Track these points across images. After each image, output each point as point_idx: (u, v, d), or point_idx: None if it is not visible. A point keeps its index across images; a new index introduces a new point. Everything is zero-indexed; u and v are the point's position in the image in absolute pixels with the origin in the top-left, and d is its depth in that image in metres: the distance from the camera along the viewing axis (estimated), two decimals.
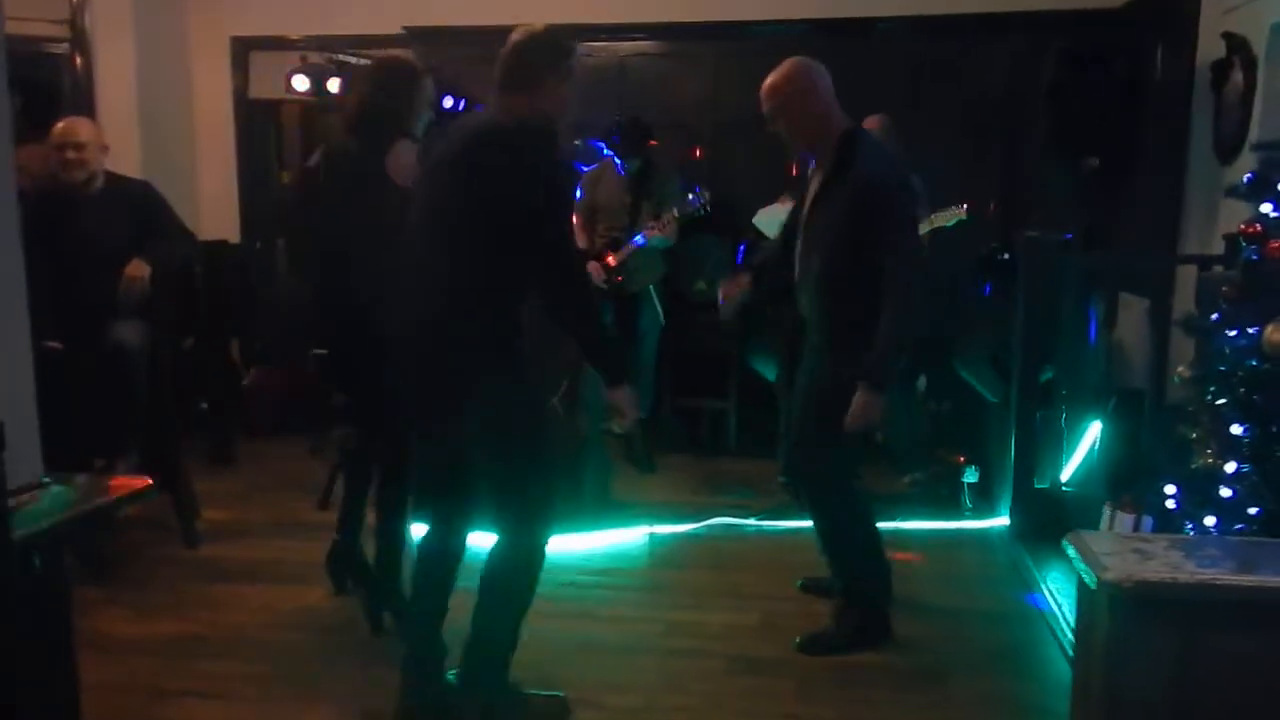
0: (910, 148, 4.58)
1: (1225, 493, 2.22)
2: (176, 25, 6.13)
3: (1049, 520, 4.02)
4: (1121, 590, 1.56)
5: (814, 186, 3.17)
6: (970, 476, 4.61)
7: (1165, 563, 1.61)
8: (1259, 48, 3.95)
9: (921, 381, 5.36)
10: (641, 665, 3.15)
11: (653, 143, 5.17)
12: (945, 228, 4.52)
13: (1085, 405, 4.37)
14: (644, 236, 5.05)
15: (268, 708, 2.91)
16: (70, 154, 3.87)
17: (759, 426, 5.26)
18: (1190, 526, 2.33)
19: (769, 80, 3.08)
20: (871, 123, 4.31)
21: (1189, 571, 1.58)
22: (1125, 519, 3.05)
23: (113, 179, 4.01)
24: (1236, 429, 2.24)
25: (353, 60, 5.36)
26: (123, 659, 3.14)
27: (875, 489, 4.77)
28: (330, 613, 3.48)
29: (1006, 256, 4.89)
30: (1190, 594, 1.56)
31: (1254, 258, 2.37)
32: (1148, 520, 2.82)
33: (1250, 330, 2.26)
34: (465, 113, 2.71)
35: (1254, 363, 2.24)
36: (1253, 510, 2.15)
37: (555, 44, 2.63)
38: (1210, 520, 2.25)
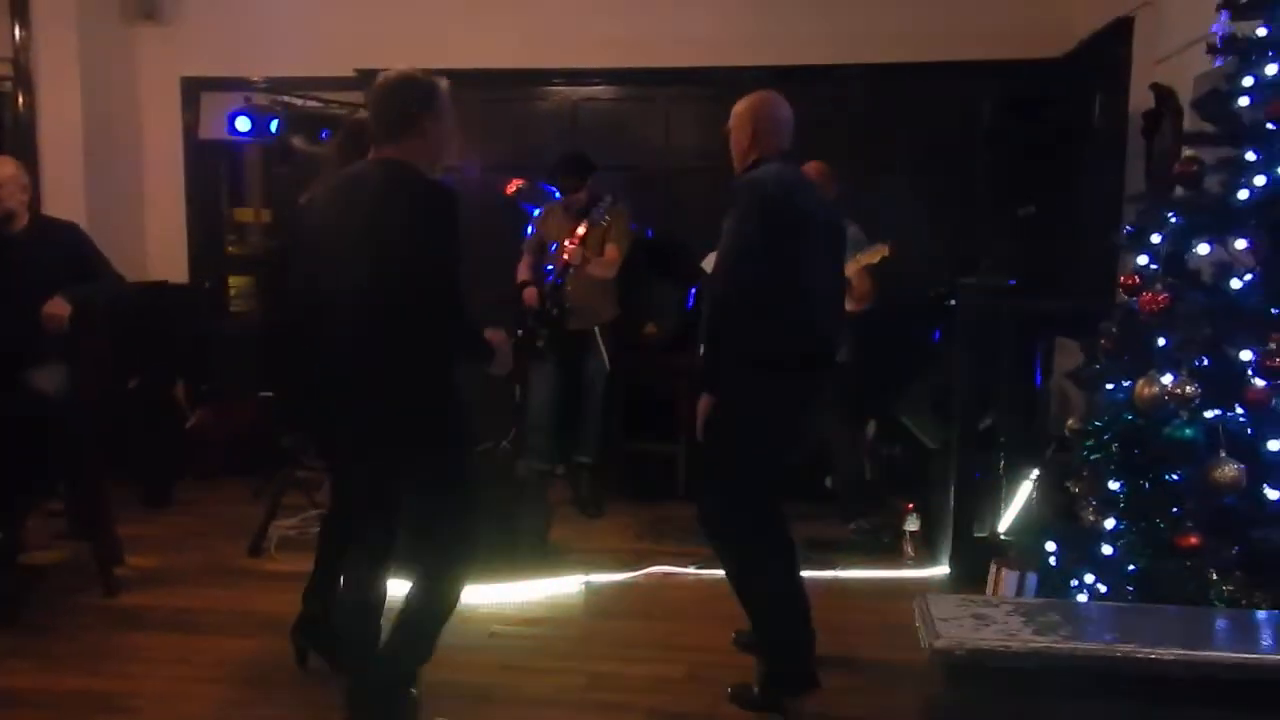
0: (855, 193, 4.61)
1: (1105, 550, 2.19)
2: (125, 64, 6.12)
3: (988, 570, 4.01)
4: (953, 658, 1.52)
5: None
6: (912, 524, 4.58)
7: (1001, 629, 1.58)
8: (1184, 98, 3.99)
9: (871, 427, 5.35)
10: None
11: (590, 179, 5.15)
12: (872, 266, 4.52)
13: (1025, 453, 4.35)
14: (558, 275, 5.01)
15: None
16: None
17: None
18: (1075, 585, 2.30)
19: (739, 103, 3.21)
20: (810, 168, 4.32)
21: (1022, 639, 1.55)
22: (1010, 576, 3.01)
23: (38, 220, 3.97)
24: (1113, 485, 2.21)
25: (299, 103, 5.36)
26: (19, 713, 3.05)
27: (821, 535, 4.75)
28: (248, 664, 3.40)
29: (953, 302, 4.89)
30: (1021, 662, 1.52)
31: (1132, 309, 2.36)
32: (1031, 577, 2.79)
33: (1125, 383, 2.24)
34: (349, 177, 2.66)
35: (1129, 417, 2.22)
36: (1131, 568, 2.11)
37: (423, 85, 2.62)
38: (1089, 578, 2.22)
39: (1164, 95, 4.13)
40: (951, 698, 1.54)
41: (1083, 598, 2.24)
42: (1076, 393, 4.83)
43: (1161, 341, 2.17)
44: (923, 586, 4.22)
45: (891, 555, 4.55)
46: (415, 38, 5.87)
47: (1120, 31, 4.58)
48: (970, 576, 4.04)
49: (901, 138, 5.44)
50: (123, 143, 6.09)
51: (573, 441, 5.25)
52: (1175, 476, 2.09)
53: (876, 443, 5.33)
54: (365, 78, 5.83)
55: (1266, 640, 1.66)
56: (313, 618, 3.27)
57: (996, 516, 4.28)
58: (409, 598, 2.78)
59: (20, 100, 5.54)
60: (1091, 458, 2.28)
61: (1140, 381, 2.13)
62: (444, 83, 2.68)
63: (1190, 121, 3.94)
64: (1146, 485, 2.13)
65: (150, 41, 6.18)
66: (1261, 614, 1.78)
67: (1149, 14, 4.37)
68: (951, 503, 4.19)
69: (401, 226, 2.52)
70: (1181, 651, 1.51)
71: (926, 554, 4.50)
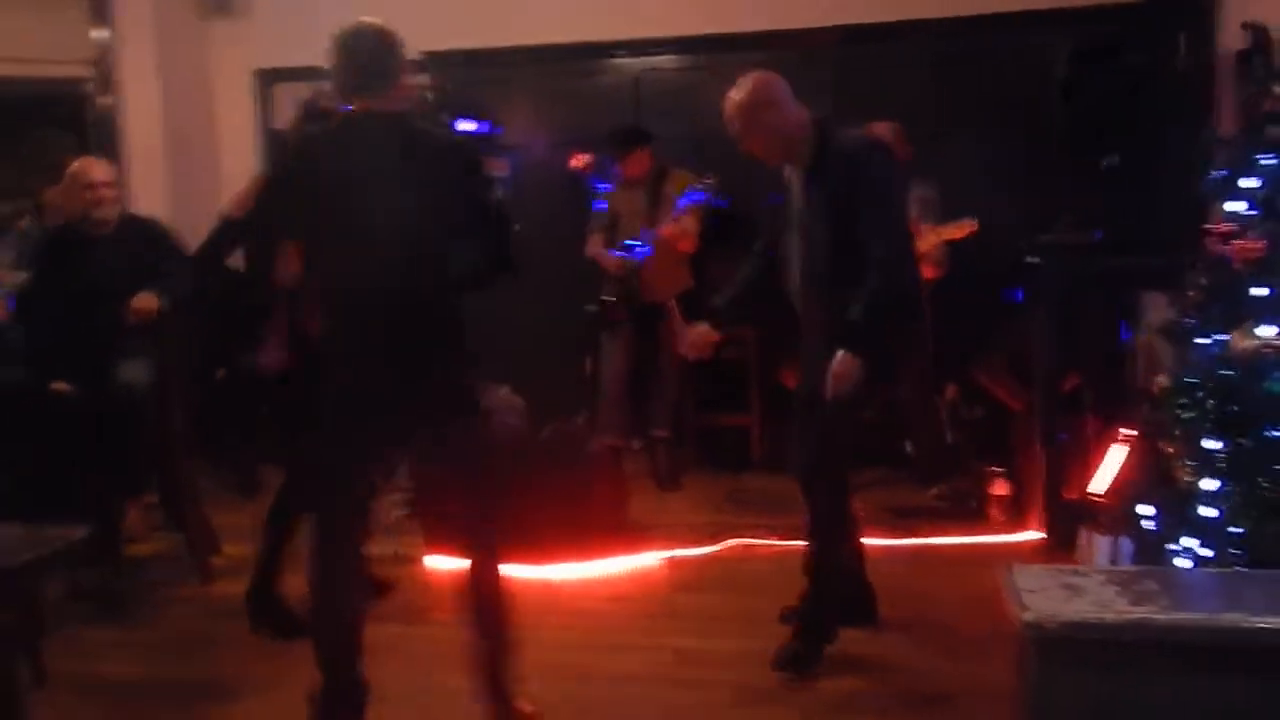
0: (925, 153, 4.48)
1: (1206, 512, 2.09)
2: (200, 60, 6.22)
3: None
4: (1042, 631, 1.46)
5: (797, 190, 3.13)
6: (999, 488, 4.48)
7: (1094, 600, 1.51)
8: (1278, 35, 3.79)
9: (950, 390, 5.23)
10: (642, 697, 3.08)
11: (646, 147, 5.13)
12: (955, 241, 4.41)
13: (1114, 412, 4.21)
14: (645, 241, 5.00)
15: None
16: (90, 194, 3.95)
17: (784, 441, 5.16)
18: (1172, 550, 2.20)
19: (732, 100, 3.04)
20: (882, 128, 4.21)
21: (1118, 610, 1.48)
22: (1103, 542, 2.90)
23: (125, 219, 4.09)
24: (1210, 444, 2.11)
25: None
26: (124, 704, 3.13)
27: (903, 503, 4.67)
28: None
29: (1034, 260, 4.74)
30: (1114, 635, 1.45)
31: (1223, 258, 2.24)
32: (1126, 543, 2.68)
33: (1220, 336, 2.13)
34: (347, 123, 2.64)
35: (1224, 371, 2.10)
36: (1234, 530, 2.02)
37: (395, 35, 2.63)
38: (1191, 542, 2.13)
39: (1259, 31, 3.94)
40: (1044, 673, 1.48)
41: (1183, 563, 2.15)
42: (1167, 349, 4.68)
43: (1258, 291, 2.06)
44: (1012, 552, 4.12)
45: (978, 520, 4.46)
46: (480, 17, 5.85)
47: None
48: (1063, 541, 3.95)
49: (973, 93, 5.27)
50: (200, 137, 6.20)
51: (648, 415, 5.24)
52: (1277, 433, 1.99)
53: (956, 406, 5.22)
54: (433, 60, 5.86)
55: None
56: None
57: (1087, 478, 4.16)
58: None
59: (103, 102, 5.66)
60: (1185, 416, 2.18)
61: (1235, 334, 2.02)
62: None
63: None
64: (1247, 443, 2.03)
65: (224, 35, 6.25)
66: None
67: None
68: (1041, 465, 4.08)
69: (432, 177, 2.55)
70: None
71: (1016, 518, 4.39)
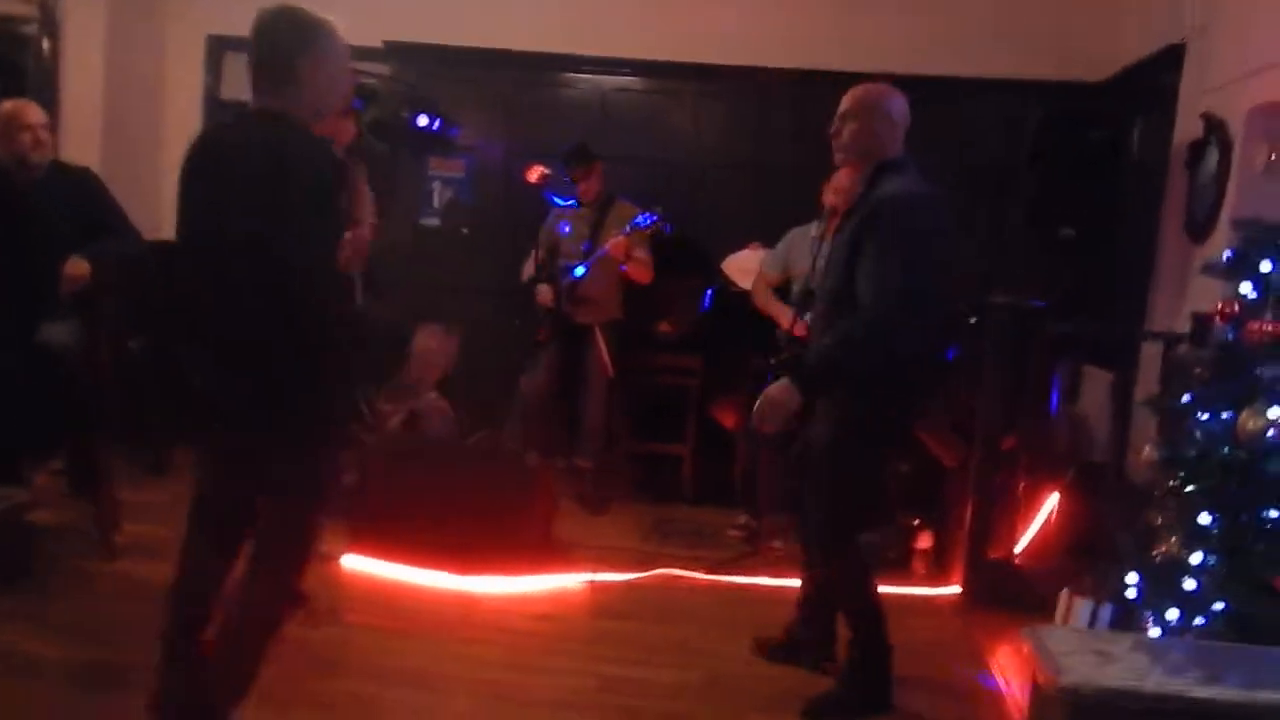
0: None
1: (1189, 584, 2.12)
2: (151, 18, 5.97)
3: (1002, 591, 3.96)
4: (1080, 697, 1.45)
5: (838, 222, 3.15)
6: (922, 541, 4.52)
7: (1129, 668, 1.50)
8: (1236, 130, 3.94)
9: None
10: None
11: (599, 168, 5.07)
12: None
13: (1044, 476, 4.30)
14: (585, 265, 4.95)
15: None
16: (28, 135, 3.75)
17: (717, 475, 5.14)
18: (1151, 618, 2.23)
19: (869, 87, 3.07)
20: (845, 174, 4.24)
21: (1155, 680, 1.48)
22: (1084, 606, 2.95)
23: (54, 165, 3.89)
24: (1205, 518, 2.15)
25: None
26: (23, 681, 2.93)
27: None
28: None
29: (974, 320, 4.83)
30: (1154, 705, 1.45)
31: (1229, 338, 2.29)
32: (1106, 608, 2.72)
33: (1224, 415, 2.17)
34: (236, 120, 2.44)
35: (1227, 449, 2.15)
36: (1217, 605, 2.05)
37: (304, 24, 2.31)
38: (1173, 613, 2.15)
39: (1214, 125, 4.09)
40: None
41: (1155, 632, 2.18)
42: (1100, 419, 4.80)
43: (1270, 372, 2.10)
44: (933, 605, 4.15)
45: (899, 571, 4.48)
46: (445, 12, 5.77)
47: (1169, 58, 4.52)
48: (984, 597, 3.99)
49: (940, 151, 5.36)
50: (143, 97, 5.96)
51: (573, 442, 5.16)
52: (1275, 513, 2.03)
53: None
54: (396, 50, 5.74)
55: None
56: None
57: (1013, 538, 4.23)
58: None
59: (45, 45, 5.39)
60: (1186, 488, 2.21)
61: (1245, 413, 2.06)
62: (332, 21, 2.36)
63: (1243, 155, 3.90)
64: (1245, 521, 2.06)
65: None
66: None
67: (1201, 42, 4.32)
68: (968, 522, 4.13)
69: (264, 186, 2.19)
70: None
71: (938, 572, 4.43)
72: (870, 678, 3.07)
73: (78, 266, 3.65)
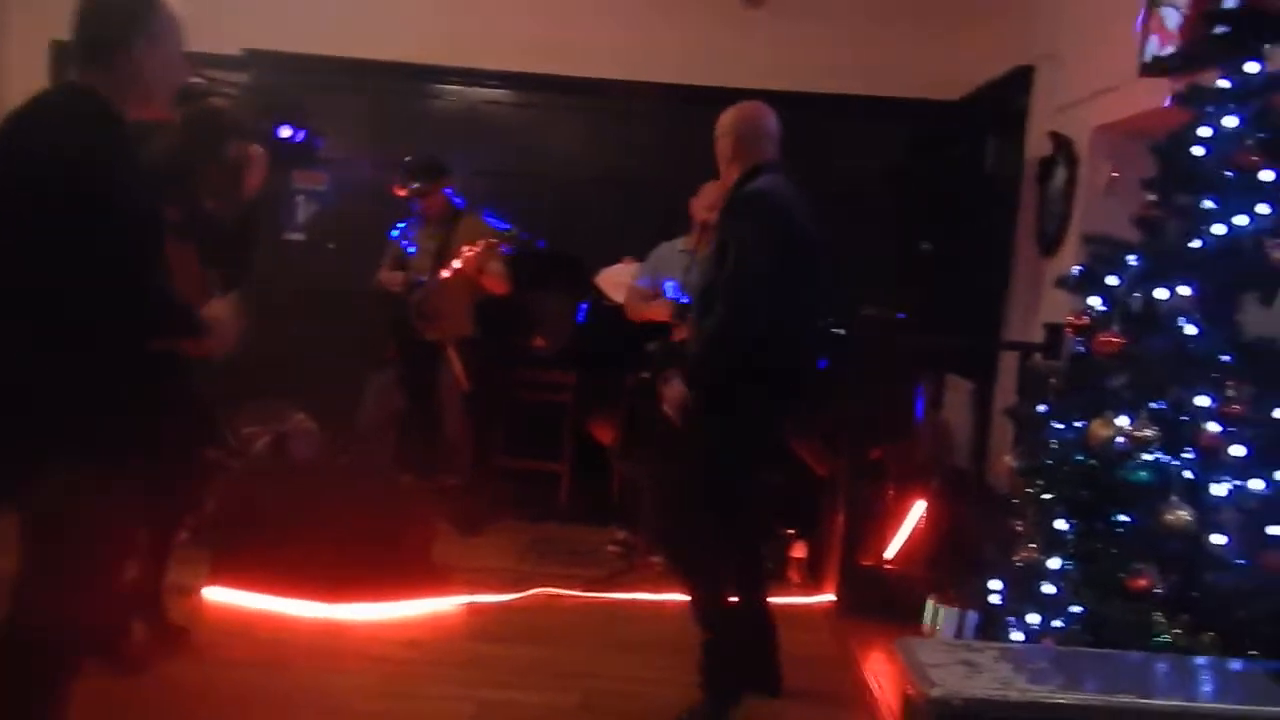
0: None
1: (1048, 589, 2.20)
2: None
3: (874, 599, 4.05)
4: (950, 708, 1.48)
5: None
6: (797, 550, 4.59)
7: (995, 677, 1.54)
8: (1082, 148, 4.14)
9: None
10: None
11: (445, 182, 4.93)
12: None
13: (911, 484, 4.41)
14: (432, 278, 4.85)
15: None
16: None
17: (595, 492, 5.11)
18: (1013, 623, 2.30)
19: (739, 107, 3.29)
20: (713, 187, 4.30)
21: (1019, 689, 1.52)
22: (950, 614, 3.03)
23: None
24: (1061, 524, 2.23)
25: None
26: None
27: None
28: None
29: (842, 332, 4.94)
30: (1019, 713, 1.49)
31: (1081, 350, 2.40)
32: (972, 615, 2.81)
33: (1076, 424, 2.27)
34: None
35: (1080, 457, 2.24)
36: (1075, 608, 2.13)
37: (133, 1, 2.17)
38: (1034, 618, 2.23)
39: (1062, 143, 4.29)
40: None
41: (1018, 636, 2.25)
42: (961, 427, 4.97)
43: (1116, 382, 2.20)
44: (809, 613, 4.21)
45: (776, 581, 4.53)
46: (307, 20, 5.61)
47: (1020, 79, 4.72)
48: (857, 604, 4.07)
49: (800, 166, 5.48)
50: None
51: (435, 461, 5.05)
52: (1125, 518, 2.12)
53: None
54: (257, 58, 5.55)
55: (1249, 690, 1.68)
56: None
57: (883, 545, 4.33)
58: None
59: None
60: (1043, 496, 2.29)
61: (1096, 422, 2.15)
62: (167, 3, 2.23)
63: (1088, 172, 4.11)
64: (1097, 526, 2.14)
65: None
66: (1240, 663, 1.80)
67: (1050, 64, 4.52)
68: (840, 530, 4.20)
69: (39, 161, 2.02)
70: (1182, 703, 1.51)
71: (812, 581, 4.50)
72: (719, 681, 3.13)
73: None
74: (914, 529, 4.42)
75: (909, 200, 4.75)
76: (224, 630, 3.53)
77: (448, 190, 4.95)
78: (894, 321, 4.31)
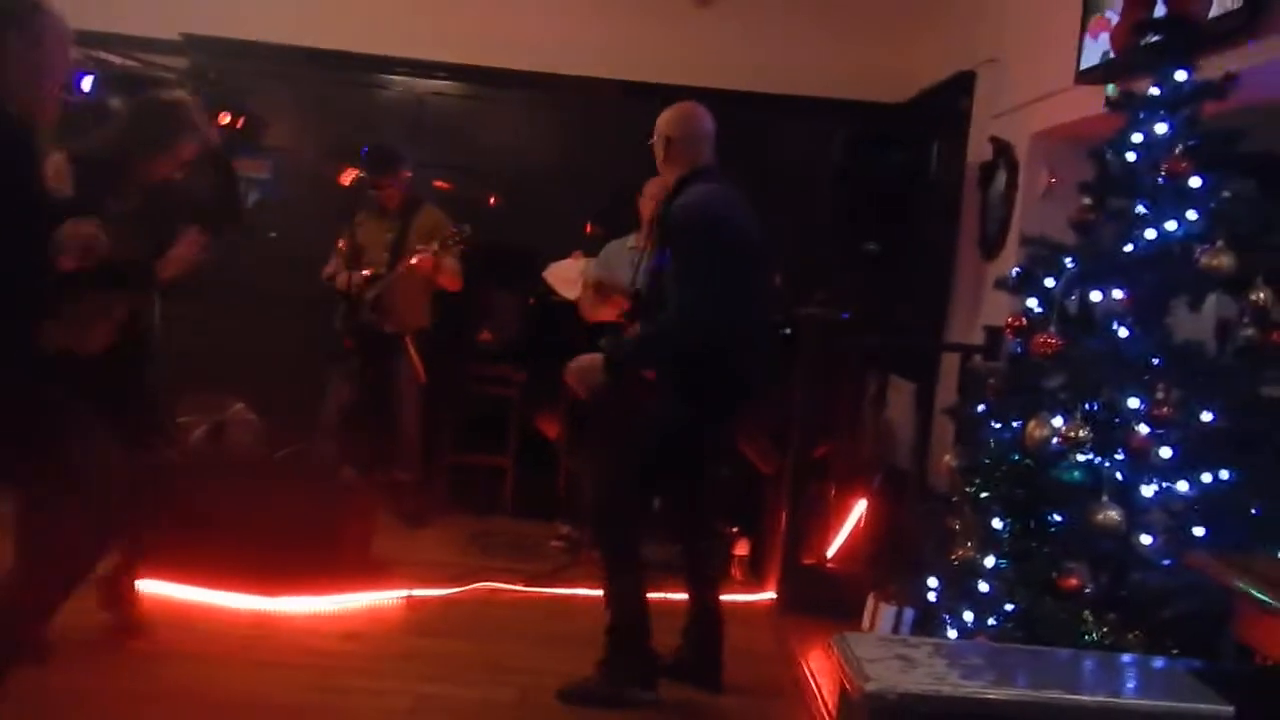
0: None
1: (983, 587, 2.24)
2: None
3: (815, 596, 4.08)
4: (884, 703, 1.50)
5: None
6: (740, 548, 4.61)
7: (929, 673, 1.57)
8: (1022, 153, 4.21)
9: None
10: None
11: (405, 173, 4.91)
12: None
13: (853, 483, 4.45)
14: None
15: None
16: None
17: (540, 486, 5.09)
18: (948, 620, 2.34)
19: (675, 108, 3.33)
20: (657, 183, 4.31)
21: (952, 683, 1.54)
22: (888, 611, 3.07)
23: None
24: (997, 523, 2.27)
25: (117, 61, 4.91)
26: None
27: (647, 557, 4.70)
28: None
29: (788, 331, 4.97)
30: (951, 707, 1.52)
31: (1019, 351, 2.44)
32: (909, 613, 2.85)
33: (1014, 424, 2.31)
34: None
35: (1016, 457, 2.28)
36: (1008, 606, 2.17)
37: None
38: (968, 615, 2.26)
39: (1001, 148, 4.35)
40: None
41: (952, 634, 2.28)
42: (902, 427, 5.03)
43: (1052, 383, 2.24)
44: (750, 610, 4.23)
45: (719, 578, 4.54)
46: (247, 5, 5.52)
47: (962, 84, 4.79)
48: (798, 602, 4.10)
49: (753, 165, 5.50)
50: None
51: (387, 454, 5.00)
52: (1058, 518, 2.16)
53: None
54: (194, 44, 5.45)
55: (1171, 687, 1.72)
56: None
57: (825, 544, 4.37)
58: None
59: None
60: (980, 495, 2.32)
61: (1032, 423, 2.18)
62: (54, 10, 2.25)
63: (1027, 177, 4.18)
64: (1031, 525, 2.18)
65: None
66: (1163, 661, 1.86)
67: (991, 69, 4.59)
68: (782, 528, 4.23)
69: None
70: (1107, 699, 1.54)
71: (754, 578, 4.52)
72: (620, 665, 3.16)
73: None
74: (855, 527, 4.47)
75: (855, 201, 4.79)
76: (156, 622, 3.46)
77: (406, 181, 4.90)
78: (838, 322, 4.34)
